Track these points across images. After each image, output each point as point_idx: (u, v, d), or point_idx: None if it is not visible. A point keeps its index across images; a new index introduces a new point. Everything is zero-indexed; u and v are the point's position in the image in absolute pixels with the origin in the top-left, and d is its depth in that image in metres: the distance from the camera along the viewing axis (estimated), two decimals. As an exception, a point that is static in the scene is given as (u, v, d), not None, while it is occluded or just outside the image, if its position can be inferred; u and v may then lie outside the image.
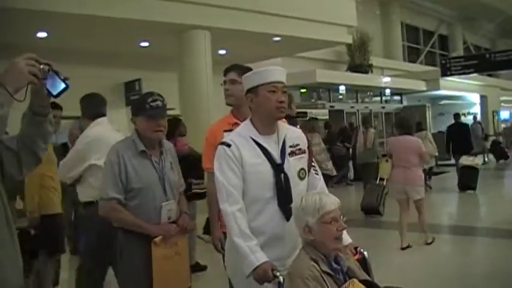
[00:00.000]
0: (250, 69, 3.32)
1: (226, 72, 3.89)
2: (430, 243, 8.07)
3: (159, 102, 3.57)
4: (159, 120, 3.60)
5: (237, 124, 3.40)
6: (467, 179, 13.56)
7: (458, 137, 14.50)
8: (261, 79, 2.97)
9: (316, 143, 9.66)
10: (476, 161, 14.17)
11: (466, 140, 14.58)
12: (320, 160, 9.47)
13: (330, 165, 9.52)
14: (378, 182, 10.79)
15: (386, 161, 8.11)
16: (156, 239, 3.49)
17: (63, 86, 2.26)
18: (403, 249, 7.78)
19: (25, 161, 2.31)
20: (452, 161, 16.10)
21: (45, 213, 5.09)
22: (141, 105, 3.59)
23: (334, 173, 9.96)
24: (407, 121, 8.62)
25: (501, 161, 19.85)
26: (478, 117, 23.83)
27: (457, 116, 15.74)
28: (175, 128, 7.07)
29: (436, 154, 13.80)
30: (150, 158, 3.62)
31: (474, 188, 13.49)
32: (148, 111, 3.55)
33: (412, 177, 7.86)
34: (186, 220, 3.76)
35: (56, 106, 5.94)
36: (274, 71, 3.03)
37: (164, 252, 3.54)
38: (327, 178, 10.42)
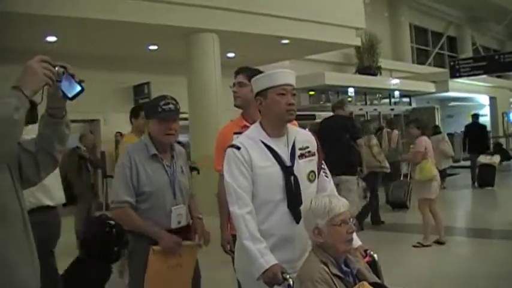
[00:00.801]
0: (259, 72, 3.33)
1: (236, 74, 3.92)
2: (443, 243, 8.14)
3: (171, 106, 3.57)
4: (170, 123, 3.60)
5: (246, 127, 3.41)
6: (486, 176, 14.60)
7: (475, 137, 15.42)
8: (270, 82, 2.97)
9: (374, 144, 10.11)
10: (494, 159, 15.06)
11: (483, 139, 15.69)
12: (381, 160, 10.01)
13: (387, 163, 9.95)
14: (402, 178, 11.95)
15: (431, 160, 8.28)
16: (155, 247, 3.47)
17: (78, 88, 2.28)
18: (428, 246, 7.97)
19: (42, 163, 2.34)
20: (462, 163, 16.65)
21: None
22: (154, 108, 3.60)
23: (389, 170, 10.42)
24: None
25: (504, 163, 19.74)
26: (482, 120, 23.59)
27: (475, 116, 16.54)
28: None
29: (453, 154, 15.08)
30: (162, 161, 3.62)
31: (492, 185, 14.50)
32: (160, 114, 3.56)
33: None
34: (199, 227, 3.81)
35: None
36: (283, 73, 3.03)
37: (164, 260, 3.50)
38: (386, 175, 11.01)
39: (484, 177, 14.64)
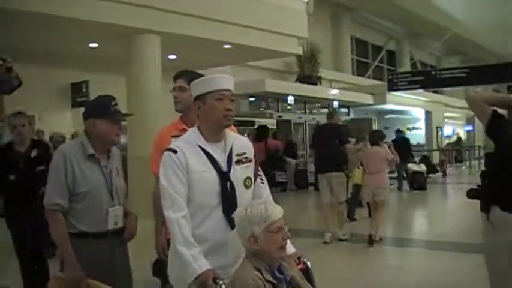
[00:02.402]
0: (200, 76, 3.31)
1: (175, 78, 3.88)
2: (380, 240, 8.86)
3: (119, 107, 3.57)
4: (120, 124, 3.60)
5: (185, 130, 3.37)
6: (418, 182, 17.22)
7: (402, 148, 16.37)
8: (208, 87, 2.96)
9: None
10: (423, 167, 17.88)
11: (408, 150, 17.43)
12: None
13: None
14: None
15: (358, 168, 9.73)
16: (60, 273, 3.41)
17: (17, 82, 2.20)
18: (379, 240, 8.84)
19: None
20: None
21: None
22: (106, 108, 3.52)
23: None
24: (380, 133, 9.94)
25: (430, 175, 20.35)
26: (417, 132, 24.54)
27: (399, 131, 18.70)
28: (264, 133, 11.57)
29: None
30: (99, 162, 3.55)
31: (425, 188, 17.19)
32: (114, 114, 3.52)
33: (382, 181, 9.15)
34: (132, 224, 3.73)
35: None
36: (222, 78, 3.02)
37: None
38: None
39: (417, 183, 17.13)
